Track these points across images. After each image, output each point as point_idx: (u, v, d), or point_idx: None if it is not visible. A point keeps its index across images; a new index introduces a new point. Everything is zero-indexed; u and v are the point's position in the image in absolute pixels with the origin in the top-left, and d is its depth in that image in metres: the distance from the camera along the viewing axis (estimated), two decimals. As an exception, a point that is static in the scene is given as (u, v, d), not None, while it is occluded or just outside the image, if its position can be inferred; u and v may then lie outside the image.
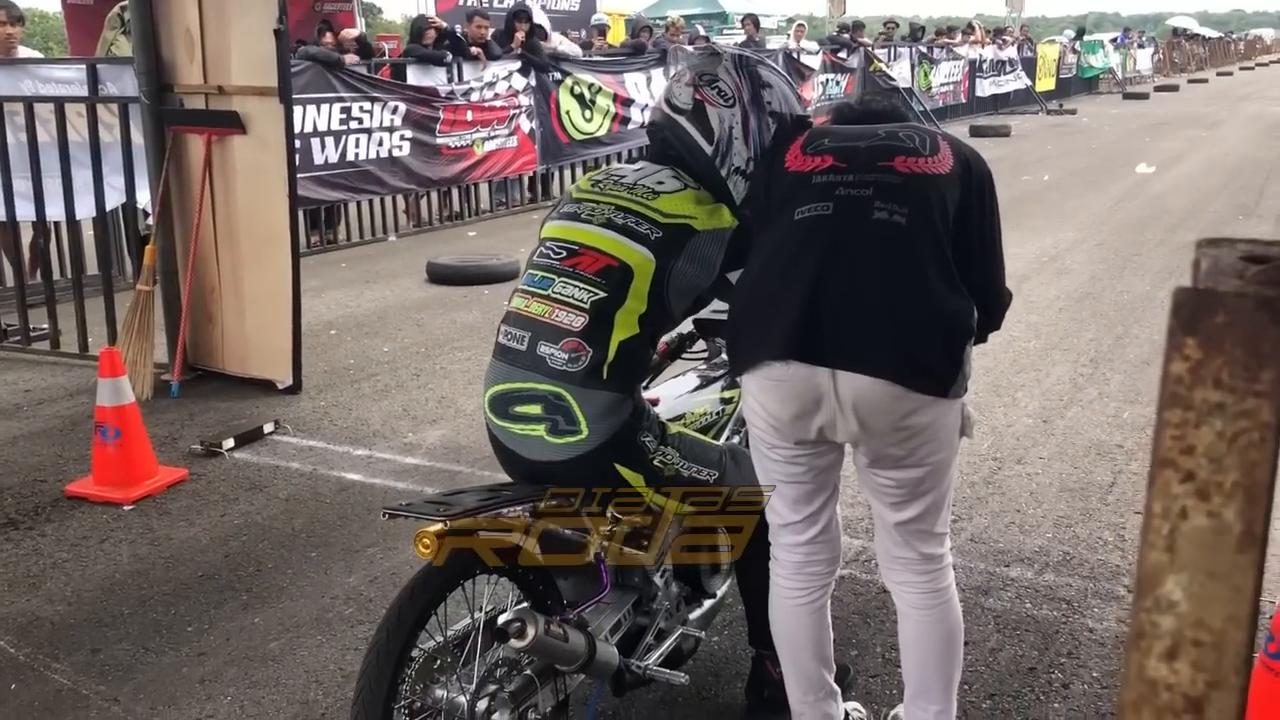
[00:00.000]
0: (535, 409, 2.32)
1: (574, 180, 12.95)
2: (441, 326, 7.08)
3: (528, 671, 2.31)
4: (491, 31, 11.51)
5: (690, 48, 14.23)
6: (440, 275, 8.36)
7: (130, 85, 5.83)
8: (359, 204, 10.28)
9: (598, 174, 2.59)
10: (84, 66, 6.24)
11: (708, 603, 2.87)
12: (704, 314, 2.71)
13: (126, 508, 4.31)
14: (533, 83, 11.74)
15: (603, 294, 2.33)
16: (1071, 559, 3.72)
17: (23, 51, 7.61)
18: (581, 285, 2.35)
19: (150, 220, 6.42)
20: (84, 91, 6.14)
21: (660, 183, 2.45)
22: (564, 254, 2.41)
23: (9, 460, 4.84)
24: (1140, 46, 36.31)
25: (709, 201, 2.45)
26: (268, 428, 5.10)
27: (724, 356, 3.07)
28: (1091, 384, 5.61)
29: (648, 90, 13.44)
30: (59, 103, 6.03)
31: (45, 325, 6.49)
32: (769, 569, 2.54)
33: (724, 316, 2.88)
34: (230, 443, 4.90)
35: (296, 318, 5.59)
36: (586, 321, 2.31)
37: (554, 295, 2.36)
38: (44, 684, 3.11)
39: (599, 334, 2.31)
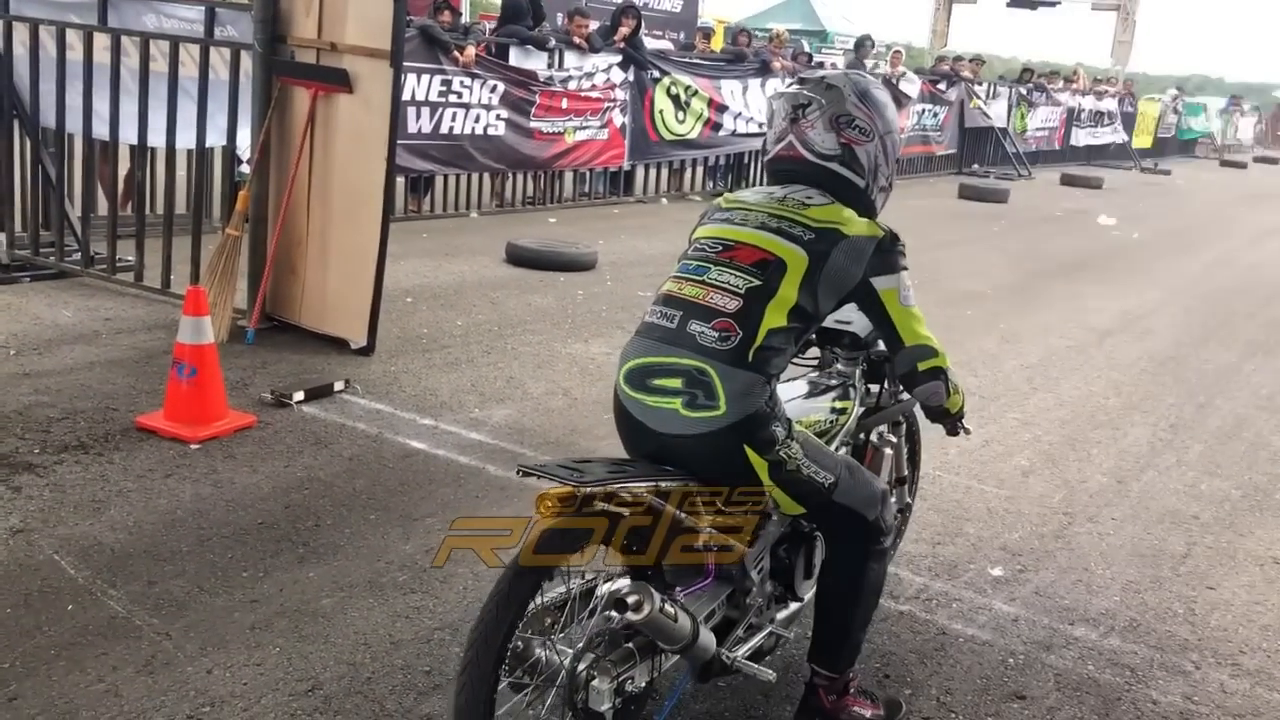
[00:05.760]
0: (675, 382, 2.39)
1: (657, 179, 12.97)
2: (516, 307, 7.07)
3: (629, 645, 2.34)
4: (592, 28, 11.50)
5: (788, 81, 14.11)
6: (519, 257, 8.36)
7: (246, 31, 5.89)
8: (445, 177, 10.32)
9: (741, 192, 2.72)
10: (204, 8, 6.30)
11: (794, 605, 2.87)
12: (825, 322, 2.78)
13: (193, 446, 4.34)
14: (630, 78, 11.73)
15: (757, 282, 2.43)
16: (1139, 626, 3.60)
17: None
18: (737, 273, 2.46)
19: (243, 167, 6.49)
20: (201, 31, 6.21)
21: (809, 197, 2.56)
22: (720, 248, 2.53)
23: (85, 385, 4.90)
24: (1244, 115, 35.56)
25: (856, 214, 2.54)
26: (338, 385, 5.12)
27: (838, 366, 3.11)
28: (1170, 450, 5.45)
29: (742, 99, 13.36)
30: (174, 42, 6.11)
31: (131, 257, 6.58)
32: (879, 574, 2.73)
33: (844, 326, 2.94)
34: (300, 395, 4.92)
35: (379, 281, 5.61)
36: (740, 305, 2.40)
37: (709, 280, 2.47)
38: (100, 609, 3.13)
39: (750, 318, 2.39)
